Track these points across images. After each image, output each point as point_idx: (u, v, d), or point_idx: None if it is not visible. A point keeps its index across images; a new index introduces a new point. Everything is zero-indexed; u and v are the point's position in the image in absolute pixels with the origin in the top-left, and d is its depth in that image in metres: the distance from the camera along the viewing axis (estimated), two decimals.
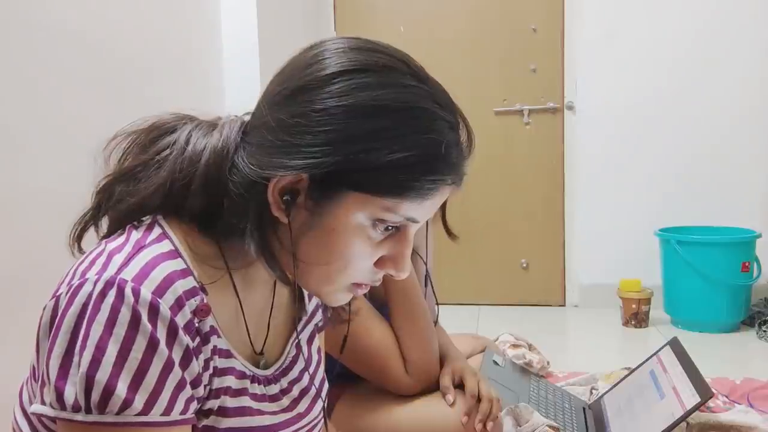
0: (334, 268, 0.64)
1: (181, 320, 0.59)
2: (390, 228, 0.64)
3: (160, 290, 0.58)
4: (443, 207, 0.73)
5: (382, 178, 0.60)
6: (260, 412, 0.70)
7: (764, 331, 2.60)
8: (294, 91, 0.63)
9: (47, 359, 0.57)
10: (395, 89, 0.61)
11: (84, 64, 1.61)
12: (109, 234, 0.67)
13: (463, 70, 3.20)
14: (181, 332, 0.59)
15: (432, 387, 1.30)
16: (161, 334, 0.57)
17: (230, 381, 0.67)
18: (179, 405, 0.59)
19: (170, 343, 0.58)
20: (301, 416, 0.77)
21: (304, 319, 0.82)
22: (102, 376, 0.54)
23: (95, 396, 0.54)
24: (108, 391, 0.55)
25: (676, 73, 3.02)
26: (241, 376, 0.69)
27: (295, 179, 0.61)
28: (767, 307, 2.74)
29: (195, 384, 0.62)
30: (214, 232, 0.67)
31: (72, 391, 0.55)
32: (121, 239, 0.63)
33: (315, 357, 0.84)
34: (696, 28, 3.00)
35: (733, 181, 3.01)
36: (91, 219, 0.69)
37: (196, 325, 0.62)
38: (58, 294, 0.59)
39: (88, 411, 0.55)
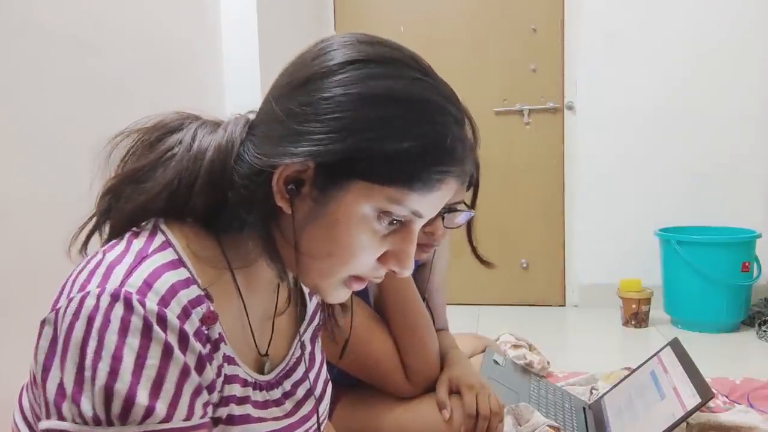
0: (337, 261, 0.64)
1: (189, 328, 0.58)
2: (395, 222, 0.64)
3: (165, 301, 0.57)
4: (470, 234, 0.73)
5: (387, 167, 0.60)
6: (261, 420, 0.70)
7: (764, 331, 2.60)
8: (301, 81, 0.63)
9: (61, 376, 0.55)
10: (403, 81, 0.62)
11: (82, 64, 1.61)
12: (109, 239, 0.66)
13: (463, 70, 3.20)
14: (192, 339, 0.58)
15: (433, 387, 1.30)
16: (173, 342, 0.57)
17: (236, 389, 0.67)
18: (198, 409, 0.59)
19: (183, 350, 0.57)
20: (304, 419, 0.76)
21: (307, 319, 0.82)
22: (121, 386, 0.53)
23: (116, 407, 0.53)
24: (129, 401, 0.54)
25: (676, 73, 3.02)
26: (244, 383, 0.68)
27: (301, 168, 0.61)
28: (767, 307, 2.74)
29: (210, 390, 0.62)
30: (216, 231, 0.66)
31: (89, 405, 0.54)
32: (121, 248, 0.61)
33: (318, 357, 0.84)
34: (695, 28, 3.00)
35: (733, 181, 3.01)
36: (100, 222, 0.68)
37: (206, 332, 0.61)
38: (57, 307, 0.58)
39: (110, 423, 0.54)
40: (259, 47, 2.41)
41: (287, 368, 0.77)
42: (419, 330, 1.30)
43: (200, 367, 0.59)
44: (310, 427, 0.78)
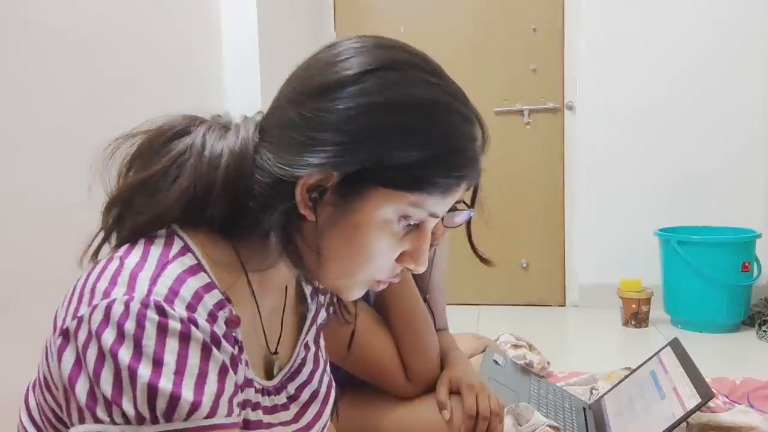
0: (357, 263, 0.65)
1: (219, 331, 0.59)
2: (412, 224, 0.65)
3: (192, 307, 0.58)
4: (469, 232, 0.74)
5: (409, 174, 0.61)
6: (270, 425, 0.70)
7: (764, 331, 2.60)
8: (319, 88, 0.63)
9: (91, 382, 0.55)
10: (420, 87, 0.63)
11: (82, 63, 1.61)
12: (121, 244, 0.65)
13: (463, 70, 3.19)
14: (223, 341, 0.59)
15: (433, 387, 1.30)
16: (209, 342, 0.57)
17: (251, 393, 0.67)
18: (236, 407, 0.59)
19: (218, 350, 0.58)
20: (310, 426, 0.77)
21: (309, 319, 0.82)
22: (166, 384, 0.53)
23: (161, 404, 0.53)
24: (175, 398, 0.54)
25: (676, 72, 3.02)
26: (255, 388, 0.69)
27: (324, 176, 0.61)
28: (767, 307, 2.74)
29: (241, 389, 0.62)
30: (232, 237, 0.66)
31: (130, 406, 0.53)
32: (138, 253, 0.61)
33: (322, 358, 0.84)
34: (696, 28, 3.00)
35: (733, 181, 3.01)
36: (111, 232, 0.67)
37: (233, 335, 0.62)
38: (79, 315, 0.57)
39: (155, 421, 0.54)
40: (259, 47, 2.41)
41: (292, 370, 0.77)
42: (420, 330, 1.30)
43: (234, 367, 0.60)
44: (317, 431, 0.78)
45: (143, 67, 1.88)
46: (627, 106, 3.08)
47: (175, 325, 0.55)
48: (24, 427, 0.67)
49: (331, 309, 0.88)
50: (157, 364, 0.54)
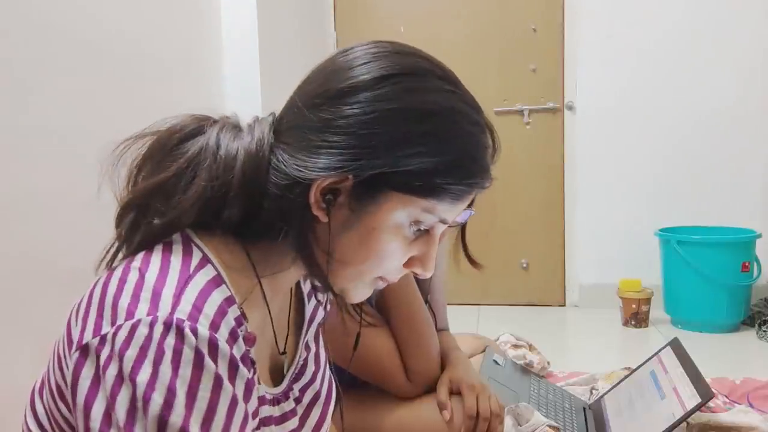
0: (368, 266, 0.65)
1: (237, 352, 0.59)
2: (422, 229, 0.65)
3: (215, 325, 0.57)
4: (463, 234, 0.75)
5: (423, 180, 0.61)
6: None
7: (764, 331, 2.60)
8: (336, 92, 0.63)
9: (108, 403, 0.54)
10: (436, 94, 0.63)
11: (82, 64, 1.61)
12: (136, 250, 0.64)
13: (463, 70, 3.14)
14: (240, 365, 0.58)
15: (434, 387, 1.30)
16: (223, 371, 0.56)
17: (266, 410, 0.67)
18: None
19: (232, 378, 0.57)
20: (317, 429, 0.77)
21: (307, 318, 0.82)
22: (176, 419, 0.53)
23: None
24: None
25: (676, 72, 3.02)
26: (267, 402, 0.68)
27: (339, 179, 0.61)
28: (767, 307, 2.74)
29: (254, 415, 0.62)
30: (245, 240, 0.66)
31: None
32: (157, 265, 0.60)
33: (323, 357, 0.84)
34: (695, 28, 3.00)
35: (733, 181, 3.01)
36: (127, 239, 0.66)
37: (251, 355, 0.62)
38: (102, 333, 0.56)
39: None
40: (259, 46, 2.40)
41: (296, 371, 0.77)
42: (422, 333, 1.30)
43: (248, 394, 0.60)
44: None
45: (144, 67, 1.88)
46: (627, 106, 3.08)
47: (189, 353, 0.54)
48: (29, 430, 0.66)
49: (340, 308, 0.88)
50: (171, 394, 0.53)
